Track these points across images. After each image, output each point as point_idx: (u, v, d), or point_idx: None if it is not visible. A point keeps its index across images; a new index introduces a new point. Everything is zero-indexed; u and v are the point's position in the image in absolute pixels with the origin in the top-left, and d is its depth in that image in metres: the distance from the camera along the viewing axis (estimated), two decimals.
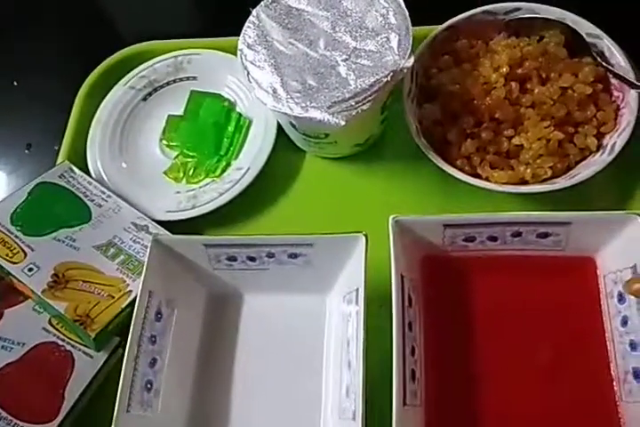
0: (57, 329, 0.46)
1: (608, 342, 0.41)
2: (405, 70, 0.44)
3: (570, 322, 0.42)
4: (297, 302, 0.46)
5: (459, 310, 0.43)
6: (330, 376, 0.43)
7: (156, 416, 0.41)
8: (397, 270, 0.40)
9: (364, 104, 0.44)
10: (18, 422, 0.42)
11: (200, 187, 0.53)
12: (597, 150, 0.47)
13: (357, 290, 0.41)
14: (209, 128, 0.55)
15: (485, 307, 0.43)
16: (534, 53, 0.49)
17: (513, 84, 0.48)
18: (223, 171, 0.54)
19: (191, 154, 0.55)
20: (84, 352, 0.45)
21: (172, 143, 0.56)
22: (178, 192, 0.53)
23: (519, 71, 0.48)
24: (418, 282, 0.43)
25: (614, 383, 0.40)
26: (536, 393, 0.40)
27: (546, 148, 0.46)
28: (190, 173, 0.54)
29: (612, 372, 0.40)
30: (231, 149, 0.55)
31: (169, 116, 0.57)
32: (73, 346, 0.45)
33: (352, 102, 0.44)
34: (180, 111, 0.56)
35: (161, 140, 0.56)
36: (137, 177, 0.55)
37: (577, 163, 0.48)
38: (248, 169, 0.53)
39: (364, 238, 0.42)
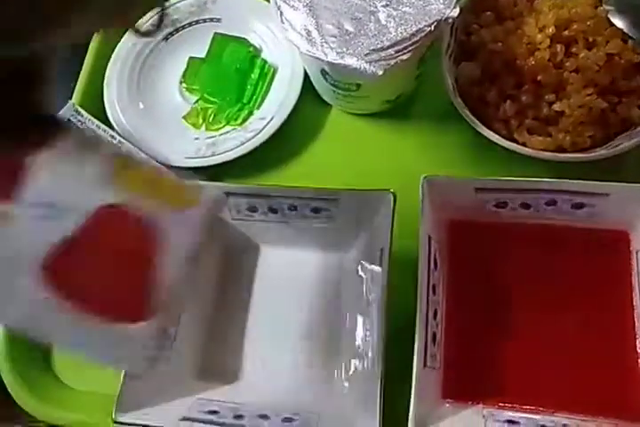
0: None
1: (636, 319, 0.39)
2: (450, 20, 0.42)
3: (598, 296, 0.40)
4: (316, 259, 0.45)
5: (483, 277, 0.42)
6: (347, 336, 0.42)
7: (167, 367, 0.40)
8: (425, 231, 0.39)
9: (404, 54, 0.41)
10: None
11: (220, 134, 0.51)
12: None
13: (382, 250, 0.39)
14: (232, 74, 0.52)
15: (511, 275, 0.42)
16: (582, 15, 0.46)
17: (558, 46, 0.45)
18: (245, 119, 0.51)
19: (212, 99, 0.52)
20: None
21: (192, 87, 0.53)
22: (197, 138, 0.51)
23: (565, 33, 0.46)
24: (444, 245, 0.42)
25: None
26: (558, 363, 0.39)
27: (587, 116, 0.44)
28: (210, 119, 0.52)
29: (638, 349, 0.39)
30: (254, 97, 0.52)
31: (190, 58, 0.54)
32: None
33: (391, 51, 0.41)
34: (203, 54, 0.53)
35: (181, 82, 0.54)
36: (154, 120, 0.52)
37: (616, 134, 0.46)
38: (271, 119, 0.50)
39: (392, 196, 0.40)
